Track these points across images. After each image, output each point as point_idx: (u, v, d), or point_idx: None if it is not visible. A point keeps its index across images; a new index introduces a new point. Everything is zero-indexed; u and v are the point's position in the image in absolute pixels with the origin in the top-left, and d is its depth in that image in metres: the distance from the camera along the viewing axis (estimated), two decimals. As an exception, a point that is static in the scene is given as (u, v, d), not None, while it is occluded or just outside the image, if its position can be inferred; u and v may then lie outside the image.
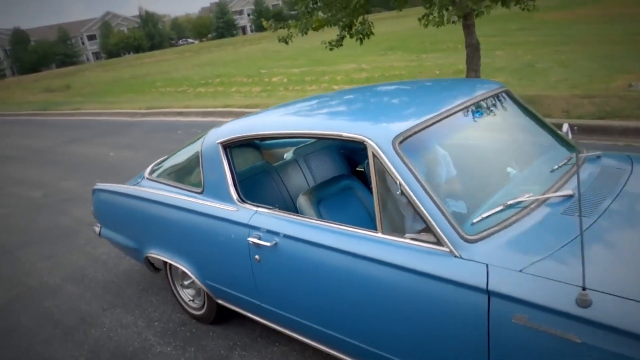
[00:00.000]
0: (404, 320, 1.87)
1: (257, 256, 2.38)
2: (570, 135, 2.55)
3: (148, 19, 74.98)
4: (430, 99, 2.48)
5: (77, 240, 4.91)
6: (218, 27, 78.08)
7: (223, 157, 2.65)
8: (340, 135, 2.14)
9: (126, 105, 15.17)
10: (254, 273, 2.45)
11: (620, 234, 1.81)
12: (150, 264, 3.35)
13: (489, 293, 1.61)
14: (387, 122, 2.11)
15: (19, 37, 69.08)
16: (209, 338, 3.03)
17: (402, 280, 1.84)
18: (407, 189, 1.85)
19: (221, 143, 2.66)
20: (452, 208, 1.91)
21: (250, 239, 2.37)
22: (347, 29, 7.26)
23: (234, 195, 2.57)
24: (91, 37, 77.59)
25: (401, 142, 1.96)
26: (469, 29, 7.70)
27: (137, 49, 69.83)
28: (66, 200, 6.38)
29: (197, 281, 2.88)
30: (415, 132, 2.03)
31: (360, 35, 7.21)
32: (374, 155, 1.97)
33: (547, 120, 2.62)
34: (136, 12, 78.11)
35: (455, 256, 1.73)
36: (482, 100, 2.43)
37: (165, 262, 3.17)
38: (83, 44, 77.29)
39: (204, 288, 2.87)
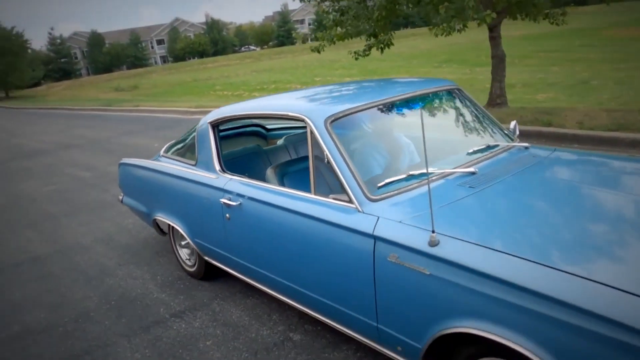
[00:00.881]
0: (326, 264, 2.32)
1: (227, 215, 2.89)
2: (516, 132, 2.96)
3: (213, 26, 78.44)
4: (379, 91, 2.92)
5: (111, 212, 5.65)
6: (279, 35, 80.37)
7: (211, 135, 3.19)
8: (287, 114, 2.64)
9: (180, 104, 16.28)
10: (225, 229, 2.97)
11: (487, 201, 2.17)
12: (158, 227, 3.95)
13: (374, 238, 2.04)
14: (326, 105, 2.58)
15: (96, 40, 74.22)
16: (197, 290, 3.57)
17: (324, 230, 2.30)
18: (331, 158, 2.31)
19: (210, 123, 3.21)
20: (369, 176, 2.35)
21: (223, 200, 2.89)
22: (371, 38, 7.72)
23: (217, 166, 3.11)
24: (160, 42, 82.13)
25: (332, 121, 2.42)
26: (494, 40, 7.94)
27: (202, 54, 73.14)
28: (109, 181, 7.20)
29: (189, 240, 3.43)
30: (346, 115, 2.48)
31: (382, 45, 7.66)
32: (310, 131, 2.44)
33: (499, 123, 3.00)
34: (203, 19, 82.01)
35: (359, 211, 2.17)
36: (426, 93, 2.86)
37: (168, 225, 3.75)
38: (152, 47, 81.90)
39: (194, 246, 3.41)
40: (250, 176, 3.03)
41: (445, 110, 2.94)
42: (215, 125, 3.22)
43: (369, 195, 2.19)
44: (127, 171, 4.21)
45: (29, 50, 48.38)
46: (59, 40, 70.43)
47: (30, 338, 3.21)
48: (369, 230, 2.06)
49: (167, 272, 3.93)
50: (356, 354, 2.60)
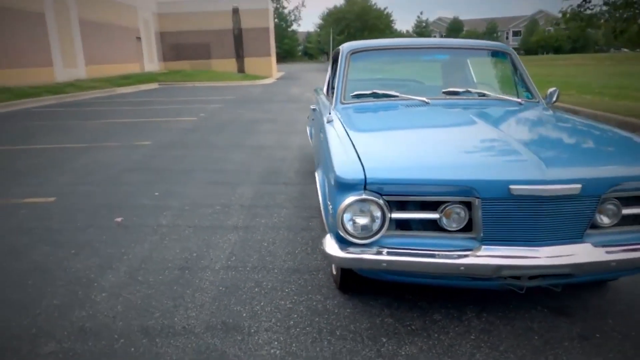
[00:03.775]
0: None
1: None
2: (554, 98, 3.37)
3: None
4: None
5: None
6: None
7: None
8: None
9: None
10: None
11: (399, 115, 3.03)
12: None
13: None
14: None
15: (455, 26, 78.13)
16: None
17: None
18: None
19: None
20: (355, 91, 3.25)
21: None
22: None
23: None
24: (516, 33, 79.98)
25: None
26: None
27: (557, 50, 67.85)
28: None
29: None
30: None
31: None
32: None
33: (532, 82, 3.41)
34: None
35: (330, 112, 3.07)
36: (475, 48, 3.73)
37: None
38: (507, 38, 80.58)
39: None
40: None
41: (474, 62, 3.76)
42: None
43: (342, 101, 3.22)
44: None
45: (395, 30, 55.05)
46: (423, 24, 77.31)
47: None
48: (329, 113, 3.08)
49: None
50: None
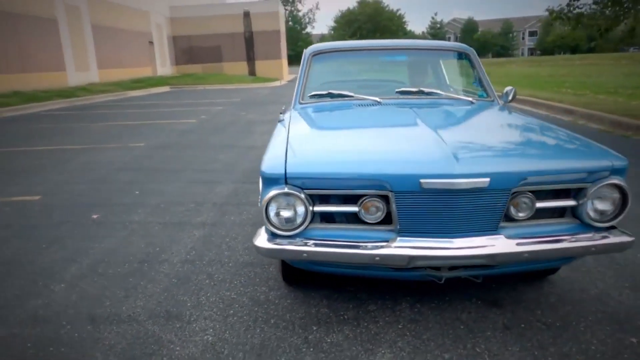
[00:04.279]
0: None
1: None
2: (510, 97, 3.45)
3: (598, 20, 69.89)
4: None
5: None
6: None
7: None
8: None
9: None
10: None
11: (350, 114, 3.12)
12: None
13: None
14: None
15: (470, 26, 77.58)
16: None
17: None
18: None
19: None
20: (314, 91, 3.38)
21: None
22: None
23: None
24: (532, 34, 79.08)
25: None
26: None
27: (574, 50, 66.90)
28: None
29: None
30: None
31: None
32: None
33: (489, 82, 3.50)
34: (588, 12, 73.81)
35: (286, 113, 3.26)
36: (434, 49, 3.84)
37: None
38: (523, 38, 79.75)
39: None
40: None
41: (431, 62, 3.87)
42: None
43: (301, 102, 3.35)
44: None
45: (408, 31, 54.88)
46: (438, 25, 76.92)
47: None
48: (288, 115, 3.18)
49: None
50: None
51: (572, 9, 7.78)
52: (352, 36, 45.16)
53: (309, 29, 66.63)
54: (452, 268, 2.13)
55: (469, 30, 76.85)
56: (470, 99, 3.32)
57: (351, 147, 2.38)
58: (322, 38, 77.45)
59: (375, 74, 4.02)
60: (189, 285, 2.75)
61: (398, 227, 2.07)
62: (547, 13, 8.98)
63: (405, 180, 2.00)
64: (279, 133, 2.63)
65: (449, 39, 79.69)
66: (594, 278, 2.72)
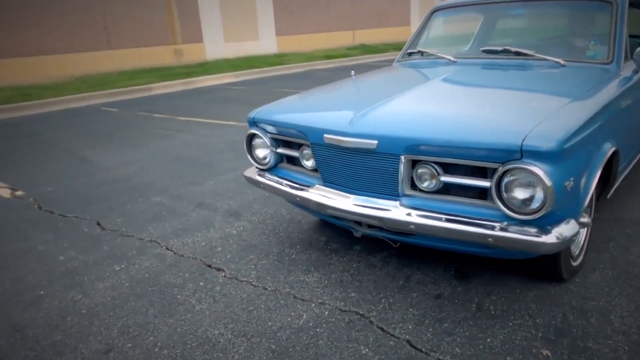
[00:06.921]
0: None
1: None
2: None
3: None
4: None
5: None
6: None
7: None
8: None
9: None
10: None
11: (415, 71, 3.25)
12: None
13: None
14: None
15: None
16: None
17: None
18: None
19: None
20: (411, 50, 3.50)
21: None
22: None
23: None
24: None
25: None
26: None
27: None
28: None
29: None
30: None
31: None
32: None
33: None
34: None
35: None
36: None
37: None
38: None
39: None
40: None
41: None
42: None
43: (399, 59, 3.52)
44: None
45: None
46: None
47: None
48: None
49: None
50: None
51: None
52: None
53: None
54: (371, 226, 2.22)
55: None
56: (560, 60, 2.73)
57: (321, 102, 2.68)
58: None
59: (504, 30, 3.80)
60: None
61: (320, 176, 2.32)
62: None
63: (314, 133, 2.23)
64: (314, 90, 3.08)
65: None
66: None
